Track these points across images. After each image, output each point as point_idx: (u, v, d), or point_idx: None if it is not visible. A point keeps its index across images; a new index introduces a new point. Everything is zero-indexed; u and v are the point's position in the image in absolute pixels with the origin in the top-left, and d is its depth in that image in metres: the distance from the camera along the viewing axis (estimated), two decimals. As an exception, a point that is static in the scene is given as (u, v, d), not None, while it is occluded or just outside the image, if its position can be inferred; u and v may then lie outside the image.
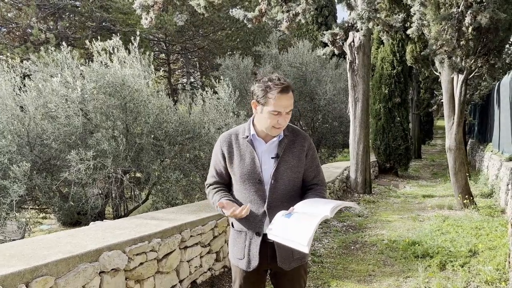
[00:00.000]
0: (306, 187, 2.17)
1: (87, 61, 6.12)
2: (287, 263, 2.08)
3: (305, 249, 1.69)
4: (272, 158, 2.07)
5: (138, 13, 8.29)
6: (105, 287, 2.85)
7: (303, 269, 2.19)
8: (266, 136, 2.08)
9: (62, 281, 2.53)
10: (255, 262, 2.07)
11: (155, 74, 6.57)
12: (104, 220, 4.88)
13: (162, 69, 23.65)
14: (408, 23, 7.61)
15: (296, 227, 1.75)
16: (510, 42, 12.01)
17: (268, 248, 2.00)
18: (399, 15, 7.84)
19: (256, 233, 2.07)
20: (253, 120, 2.12)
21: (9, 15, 14.84)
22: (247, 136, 2.09)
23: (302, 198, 2.11)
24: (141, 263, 3.18)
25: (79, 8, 15.55)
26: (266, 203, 2.05)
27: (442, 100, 8.65)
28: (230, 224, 2.22)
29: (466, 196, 7.49)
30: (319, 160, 2.26)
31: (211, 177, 2.23)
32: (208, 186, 2.24)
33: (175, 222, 3.70)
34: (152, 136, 5.94)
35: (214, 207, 2.15)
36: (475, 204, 7.49)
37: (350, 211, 7.84)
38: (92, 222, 4.28)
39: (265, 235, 1.99)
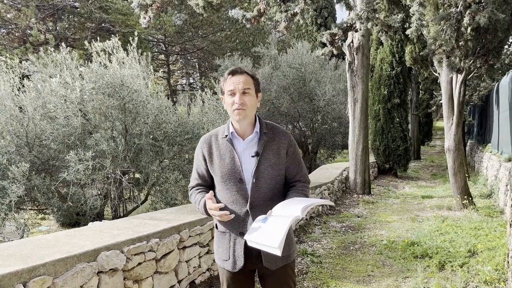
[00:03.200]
0: (289, 184, 2.16)
1: (86, 61, 6.12)
2: (273, 263, 2.05)
3: (277, 252, 1.68)
4: (252, 156, 2.05)
5: (137, 12, 8.29)
6: (103, 287, 2.84)
7: (290, 269, 2.16)
8: (244, 133, 2.08)
9: (60, 281, 2.52)
10: (240, 263, 2.05)
11: (154, 75, 6.57)
12: (103, 221, 4.88)
13: (162, 70, 23.68)
14: (407, 23, 7.62)
15: (269, 231, 1.75)
16: (509, 43, 12.03)
17: (253, 248, 1.95)
18: (398, 15, 7.85)
19: (239, 233, 2.04)
20: (231, 120, 2.13)
21: (8, 16, 14.83)
22: (226, 136, 2.08)
23: (285, 195, 2.10)
24: (140, 263, 3.17)
25: (79, 9, 15.55)
26: (248, 202, 2.03)
27: (441, 101, 8.67)
28: (214, 226, 2.20)
29: (465, 197, 7.49)
30: (300, 156, 2.25)
31: (193, 180, 2.22)
32: (191, 189, 2.23)
33: (174, 222, 3.70)
34: (151, 136, 5.94)
35: (196, 208, 2.15)
36: (474, 204, 7.50)
37: (349, 211, 7.84)
38: (91, 223, 4.27)
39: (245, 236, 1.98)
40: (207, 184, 2.19)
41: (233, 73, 2.04)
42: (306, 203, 1.84)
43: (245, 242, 1.99)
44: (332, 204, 2.00)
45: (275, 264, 2.06)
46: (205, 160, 2.12)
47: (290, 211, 1.82)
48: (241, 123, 2.05)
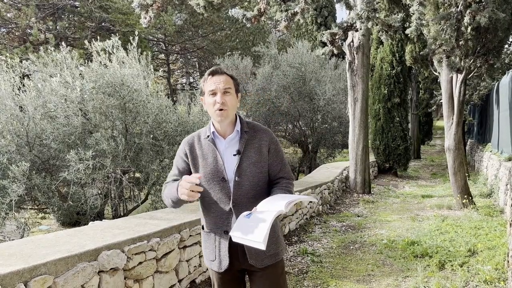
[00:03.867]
0: (273, 181, 2.15)
1: (86, 61, 6.12)
2: (259, 260, 2.04)
3: (262, 246, 1.69)
4: (234, 155, 2.05)
5: (137, 12, 8.29)
6: (104, 286, 2.85)
7: (280, 268, 2.15)
8: (225, 133, 2.08)
9: (61, 280, 2.53)
10: (225, 262, 2.05)
11: (154, 74, 6.57)
12: (103, 220, 4.88)
13: (162, 69, 23.65)
14: (407, 23, 7.62)
15: (254, 226, 1.77)
16: (509, 42, 12.03)
17: (238, 246, 1.94)
18: (398, 14, 7.85)
19: (224, 231, 2.04)
20: (212, 121, 2.13)
21: (8, 15, 14.82)
22: (208, 136, 2.08)
23: (268, 193, 2.10)
24: (140, 263, 3.18)
25: (79, 8, 15.54)
26: (231, 200, 2.03)
27: (441, 101, 8.67)
28: (201, 227, 2.20)
29: (465, 196, 7.50)
30: (283, 153, 2.24)
31: (171, 176, 2.16)
32: (166, 183, 2.16)
33: (174, 222, 3.70)
34: (151, 136, 5.94)
35: (166, 198, 2.06)
36: (474, 204, 7.50)
37: (349, 211, 7.84)
38: (91, 222, 4.27)
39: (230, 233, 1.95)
40: None
41: (213, 73, 2.04)
42: (290, 199, 1.85)
43: (230, 241, 2.00)
44: (315, 200, 1.99)
45: (262, 262, 2.05)
46: (187, 158, 2.11)
47: (274, 206, 1.83)
48: (222, 123, 2.05)
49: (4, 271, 2.28)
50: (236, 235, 1.80)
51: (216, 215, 2.07)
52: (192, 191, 1.83)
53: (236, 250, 2.03)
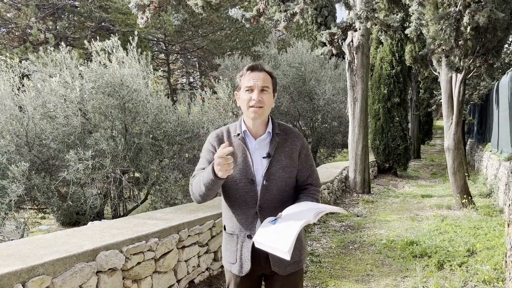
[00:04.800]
0: (300, 187, 2.08)
1: (86, 61, 6.12)
2: (282, 268, 1.98)
3: (287, 256, 1.62)
4: (263, 157, 1.98)
5: (134, 12, 8.28)
6: (102, 286, 2.85)
7: (299, 276, 2.09)
8: (256, 133, 2.01)
9: (59, 281, 2.53)
10: (247, 267, 1.98)
11: (154, 74, 6.57)
12: (102, 220, 4.88)
13: (162, 69, 23.66)
14: (407, 22, 7.62)
15: (279, 234, 1.70)
16: (508, 42, 12.03)
17: (261, 251, 1.84)
18: (397, 14, 7.85)
19: (247, 235, 1.97)
20: (243, 118, 2.05)
21: (8, 15, 14.83)
22: (239, 134, 2.00)
23: (295, 198, 2.03)
24: (139, 263, 3.18)
25: (78, 8, 15.55)
26: (257, 204, 1.96)
27: (441, 100, 8.67)
28: (223, 228, 2.13)
29: (465, 196, 7.50)
30: (313, 159, 2.18)
31: (198, 170, 2.05)
32: (194, 177, 2.05)
33: (173, 222, 3.70)
34: (151, 136, 5.95)
35: (197, 188, 1.93)
36: (474, 204, 7.50)
37: (349, 211, 7.84)
38: (90, 222, 4.28)
39: (253, 238, 1.87)
40: None
41: (252, 68, 1.97)
42: (319, 209, 1.78)
43: (253, 245, 1.91)
44: (344, 212, 1.92)
45: (285, 269, 1.99)
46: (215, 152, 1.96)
47: (301, 215, 1.76)
48: (255, 122, 1.98)
49: (2, 271, 2.29)
50: (260, 241, 1.74)
51: (240, 217, 2.00)
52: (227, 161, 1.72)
53: (259, 255, 1.96)
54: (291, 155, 2.02)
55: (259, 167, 1.98)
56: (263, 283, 2.16)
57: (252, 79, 1.94)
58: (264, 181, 1.96)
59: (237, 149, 2.00)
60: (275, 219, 1.80)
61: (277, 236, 1.69)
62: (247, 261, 1.98)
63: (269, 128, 2.02)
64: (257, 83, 1.93)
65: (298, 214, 1.78)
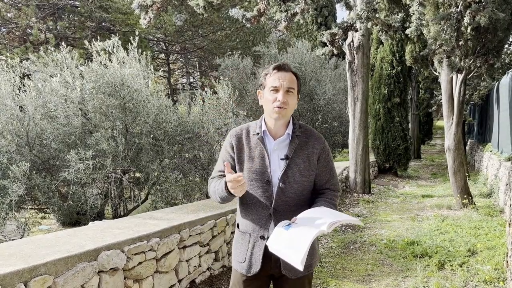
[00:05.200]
0: (318, 191, 2.04)
1: (86, 61, 6.12)
2: (292, 271, 1.93)
3: (299, 266, 1.60)
4: (281, 159, 1.95)
5: (137, 13, 8.30)
6: (104, 286, 2.85)
7: (307, 280, 2.04)
8: (276, 133, 1.98)
9: (61, 280, 2.53)
10: (256, 267, 1.95)
11: (155, 74, 6.57)
12: (103, 220, 4.89)
13: (162, 69, 23.67)
14: (407, 23, 7.62)
15: (292, 242, 1.67)
16: (509, 42, 12.03)
17: (272, 253, 1.83)
18: (398, 15, 7.85)
19: (260, 236, 1.95)
20: (264, 118, 2.03)
21: (8, 15, 14.83)
22: (258, 133, 1.97)
23: (312, 202, 1.99)
24: (140, 263, 3.18)
25: (79, 8, 15.55)
26: (272, 206, 1.93)
27: (441, 100, 8.68)
28: (236, 225, 2.11)
29: (465, 196, 7.50)
30: (333, 163, 2.11)
31: (216, 172, 2.07)
32: (212, 179, 2.07)
33: (174, 222, 3.70)
34: (151, 136, 5.95)
35: (214, 195, 1.98)
36: (474, 204, 7.50)
37: (349, 211, 7.85)
38: (91, 222, 4.28)
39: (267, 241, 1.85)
40: None
41: (279, 68, 1.94)
42: (335, 219, 1.72)
43: (265, 246, 1.90)
44: (361, 224, 1.87)
45: (295, 273, 1.94)
46: (234, 152, 2.00)
47: (316, 223, 1.71)
48: (277, 122, 1.95)
49: (4, 271, 2.29)
50: (273, 247, 1.72)
51: (254, 217, 1.98)
52: (238, 183, 1.75)
53: (270, 257, 1.93)
54: (310, 158, 1.98)
55: (276, 168, 1.95)
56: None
57: (278, 79, 1.91)
58: (281, 183, 1.93)
59: (255, 148, 1.98)
60: (289, 224, 1.77)
61: (290, 244, 1.67)
62: (257, 261, 1.96)
63: (289, 130, 1.99)
64: (283, 83, 1.90)
65: (312, 222, 1.74)
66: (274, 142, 1.98)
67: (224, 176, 1.97)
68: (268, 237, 1.91)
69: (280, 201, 1.94)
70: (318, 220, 1.73)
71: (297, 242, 1.65)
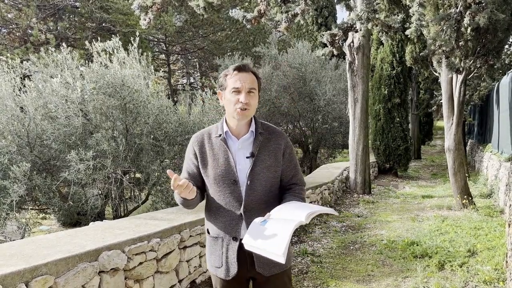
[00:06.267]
0: (285, 187, 2.06)
1: (87, 61, 6.13)
2: (266, 269, 1.94)
3: (281, 259, 1.58)
4: (247, 157, 1.95)
5: (137, 14, 8.31)
6: (105, 286, 2.86)
7: (286, 276, 2.04)
8: (239, 133, 1.99)
9: (62, 281, 2.54)
10: (233, 270, 1.94)
11: (155, 75, 6.58)
12: (104, 220, 4.89)
13: (162, 69, 23.67)
14: (407, 23, 7.63)
15: (271, 236, 1.65)
16: (509, 43, 12.04)
17: (247, 253, 1.84)
18: (398, 15, 7.86)
19: (232, 238, 1.94)
20: (226, 118, 2.03)
21: (9, 15, 14.85)
22: (220, 135, 1.97)
23: (280, 199, 2.01)
24: (141, 263, 3.19)
25: (79, 9, 15.56)
26: (242, 205, 1.92)
27: (441, 101, 8.68)
28: (206, 231, 2.08)
29: (465, 197, 7.51)
30: (297, 158, 2.15)
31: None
32: None
33: (175, 222, 3.71)
34: (152, 136, 5.95)
35: (178, 203, 2.00)
36: (474, 204, 7.51)
37: (349, 211, 7.85)
38: (91, 222, 4.29)
39: (242, 240, 1.83)
40: (197, 184, 2.02)
41: (239, 69, 1.93)
42: (311, 210, 1.73)
43: (238, 248, 1.91)
44: (336, 213, 1.87)
45: (269, 270, 1.95)
46: (196, 159, 2.01)
47: (292, 215, 1.71)
48: (239, 123, 1.96)
49: (5, 271, 2.30)
50: (250, 244, 1.70)
51: (224, 219, 1.96)
52: (181, 187, 1.77)
53: (245, 258, 1.93)
54: (275, 154, 1.99)
55: (243, 167, 1.95)
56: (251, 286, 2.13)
57: (239, 80, 1.90)
58: (248, 181, 1.93)
59: (219, 150, 1.97)
60: (265, 220, 1.75)
61: (268, 238, 1.65)
62: (233, 264, 1.94)
63: (252, 127, 2.00)
64: (245, 84, 1.90)
65: (288, 215, 1.74)
66: (238, 141, 1.98)
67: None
68: (241, 238, 1.90)
69: (249, 199, 1.93)
70: (294, 212, 1.74)
71: (276, 235, 1.64)
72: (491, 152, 10.72)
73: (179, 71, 28.93)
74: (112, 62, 5.97)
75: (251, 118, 2.02)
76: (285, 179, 2.06)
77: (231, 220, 1.95)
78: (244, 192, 1.94)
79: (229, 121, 2.00)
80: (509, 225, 3.83)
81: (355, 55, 9.34)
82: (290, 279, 2.09)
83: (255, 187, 1.94)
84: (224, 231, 1.97)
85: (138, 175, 6.51)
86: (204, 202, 2.11)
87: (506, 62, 13.77)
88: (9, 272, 2.29)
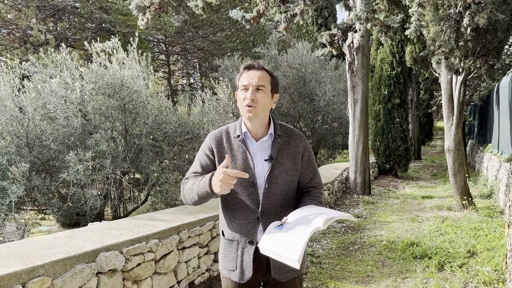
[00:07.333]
0: (302, 190, 2.03)
1: (86, 62, 6.13)
2: (282, 274, 1.92)
3: (296, 265, 1.56)
4: (265, 160, 1.91)
5: (135, 14, 8.30)
6: (102, 287, 2.85)
7: (298, 281, 2.02)
8: (257, 134, 1.94)
9: (59, 282, 2.53)
10: (248, 274, 1.91)
11: (154, 75, 6.58)
12: (102, 221, 4.88)
13: (162, 70, 23.68)
14: (407, 24, 7.63)
15: (287, 241, 1.63)
16: (509, 43, 12.03)
17: (263, 257, 1.81)
18: (397, 16, 7.85)
19: (249, 241, 1.90)
20: (243, 119, 1.99)
21: (8, 16, 14.85)
22: (239, 136, 1.93)
23: (297, 202, 1.97)
24: (139, 264, 3.18)
25: (79, 9, 15.56)
26: (259, 208, 1.89)
27: (441, 101, 8.67)
28: (221, 233, 2.05)
29: (465, 197, 7.50)
30: (315, 161, 2.12)
31: (191, 173, 1.99)
32: (186, 179, 1.98)
33: (173, 223, 3.70)
34: (151, 137, 5.95)
35: (189, 193, 1.89)
36: (474, 205, 7.50)
37: (349, 211, 7.84)
38: (90, 223, 4.27)
39: (258, 244, 1.79)
40: None
41: (249, 67, 1.92)
42: (329, 216, 1.69)
43: (254, 252, 1.88)
44: (355, 220, 1.83)
45: (285, 275, 1.93)
46: (213, 156, 1.94)
47: (309, 220, 1.68)
48: (253, 122, 1.90)
49: (2, 272, 2.29)
50: (266, 248, 1.67)
51: (241, 222, 1.92)
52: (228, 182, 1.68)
53: (260, 262, 1.90)
54: (294, 157, 1.95)
55: (261, 170, 1.91)
56: None
57: (247, 77, 1.89)
58: (266, 185, 1.90)
59: (237, 151, 1.93)
60: (281, 224, 1.73)
61: (284, 243, 1.63)
62: (249, 268, 1.91)
63: (271, 130, 1.95)
64: (252, 81, 1.87)
65: (305, 220, 1.71)
66: (257, 143, 1.94)
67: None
68: (257, 242, 1.88)
69: (267, 203, 1.90)
70: (312, 217, 1.71)
71: (292, 241, 1.62)
72: (491, 152, 10.71)
73: (179, 72, 28.93)
74: (111, 63, 5.97)
75: (270, 120, 1.98)
76: (303, 182, 2.03)
77: (247, 223, 1.92)
78: (262, 195, 1.90)
79: (246, 122, 1.96)
80: (508, 226, 3.82)
81: (354, 56, 9.33)
82: (301, 283, 2.07)
83: (273, 190, 1.91)
84: (240, 234, 1.93)
85: (137, 175, 6.51)
86: (204, 203, 2.03)
87: (506, 62, 13.76)
88: (6, 273, 2.28)
